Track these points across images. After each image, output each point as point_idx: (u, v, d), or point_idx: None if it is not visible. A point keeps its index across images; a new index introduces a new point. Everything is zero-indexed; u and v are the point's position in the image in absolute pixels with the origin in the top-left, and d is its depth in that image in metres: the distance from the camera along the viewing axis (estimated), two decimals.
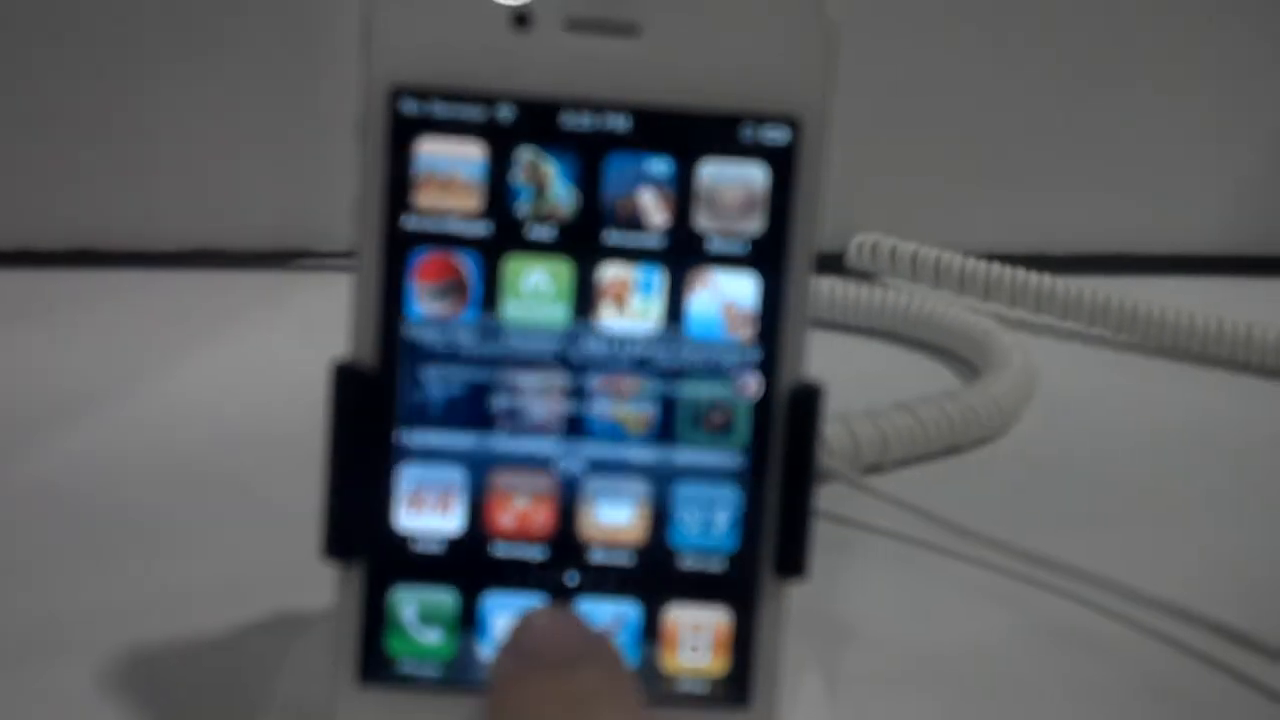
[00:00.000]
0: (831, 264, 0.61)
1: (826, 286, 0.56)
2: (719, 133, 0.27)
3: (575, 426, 0.27)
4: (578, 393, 0.27)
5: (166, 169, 0.60)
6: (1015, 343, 0.51)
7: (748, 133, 0.27)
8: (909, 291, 0.57)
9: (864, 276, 0.60)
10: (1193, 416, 0.50)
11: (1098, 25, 0.63)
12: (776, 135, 0.27)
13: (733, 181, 0.27)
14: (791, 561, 0.27)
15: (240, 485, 0.41)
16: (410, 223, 0.27)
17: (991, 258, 0.58)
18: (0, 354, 0.51)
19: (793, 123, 0.27)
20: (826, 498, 0.40)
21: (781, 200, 0.27)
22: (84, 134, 0.59)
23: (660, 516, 0.27)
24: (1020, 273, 0.57)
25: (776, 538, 0.27)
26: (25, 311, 0.55)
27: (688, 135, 0.27)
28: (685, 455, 0.27)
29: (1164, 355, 0.55)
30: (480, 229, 0.27)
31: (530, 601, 0.27)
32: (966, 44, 0.62)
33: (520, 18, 0.26)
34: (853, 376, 0.49)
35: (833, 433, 0.42)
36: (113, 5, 0.58)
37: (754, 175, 0.27)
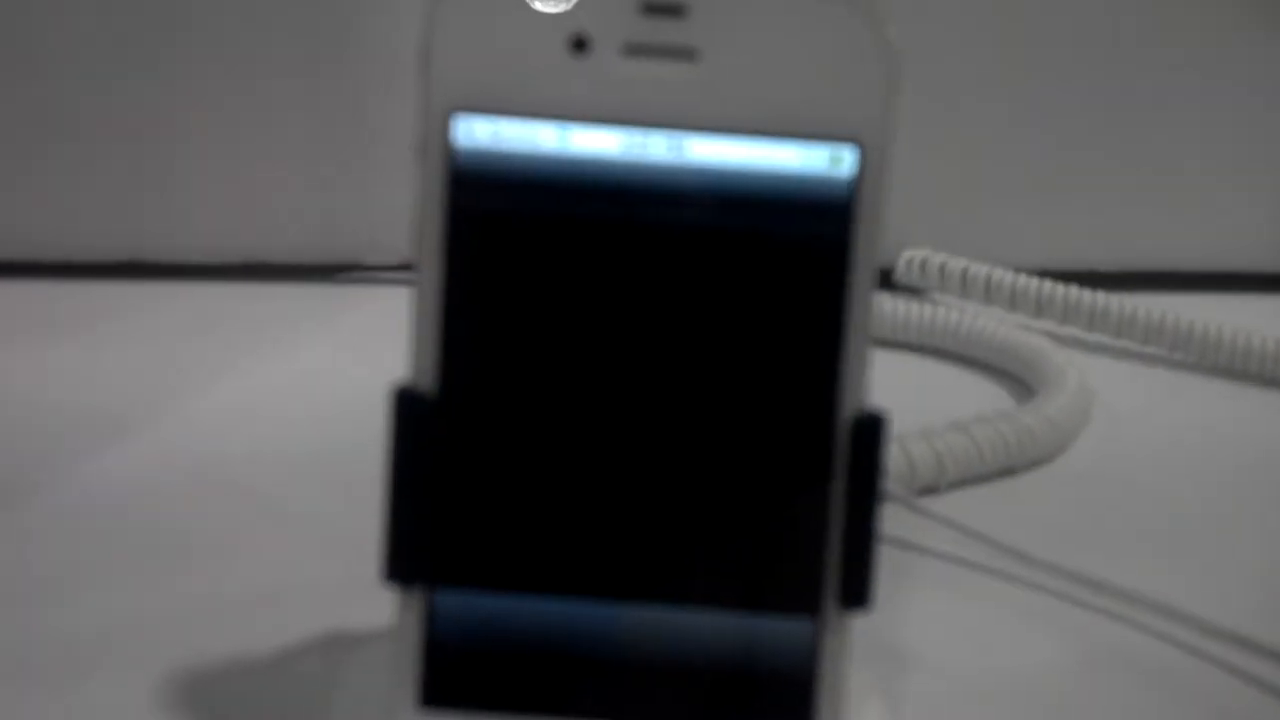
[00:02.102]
0: (881, 280, 0.60)
1: (876, 303, 0.55)
2: (778, 157, 0.26)
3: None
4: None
5: (209, 180, 0.60)
6: (1070, 362, 0.51)
7: (807, 156, 0.26)
8: (960, 308, 0.56)
9: (913, 292, 0.59)
10: (1251, 438, 0.49)
11: (1145, 40, 0.62)
12: (838, 158, 0.26)
13: None
14: (855, 593, 0.27)
15: (285, 501, 0.41)
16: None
17: (1043, 274, 0.57)
18: (42, 367, 0.51)
19: (855, 145, 0.26)
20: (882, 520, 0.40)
21: (844, 225, 0.26)
22: (125, 146, 0.59)
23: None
24: (1072, 290, 0.56)
25: (840, 569, 0.27)
26: (67, 324, 0.55)
27: None
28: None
29: (1220, 375, 0.54)
30: None
31: (595, 611, 0.27)
32: (1015, 59, 0.62)
33: (578, 42, 0.26)
34: (905, 395, 0.48)
35: (888, 453, 0.42)
36: (154, 18, 0.58)
37: None
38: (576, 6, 0.26)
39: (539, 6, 0.26)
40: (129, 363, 0.51)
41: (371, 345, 0.53)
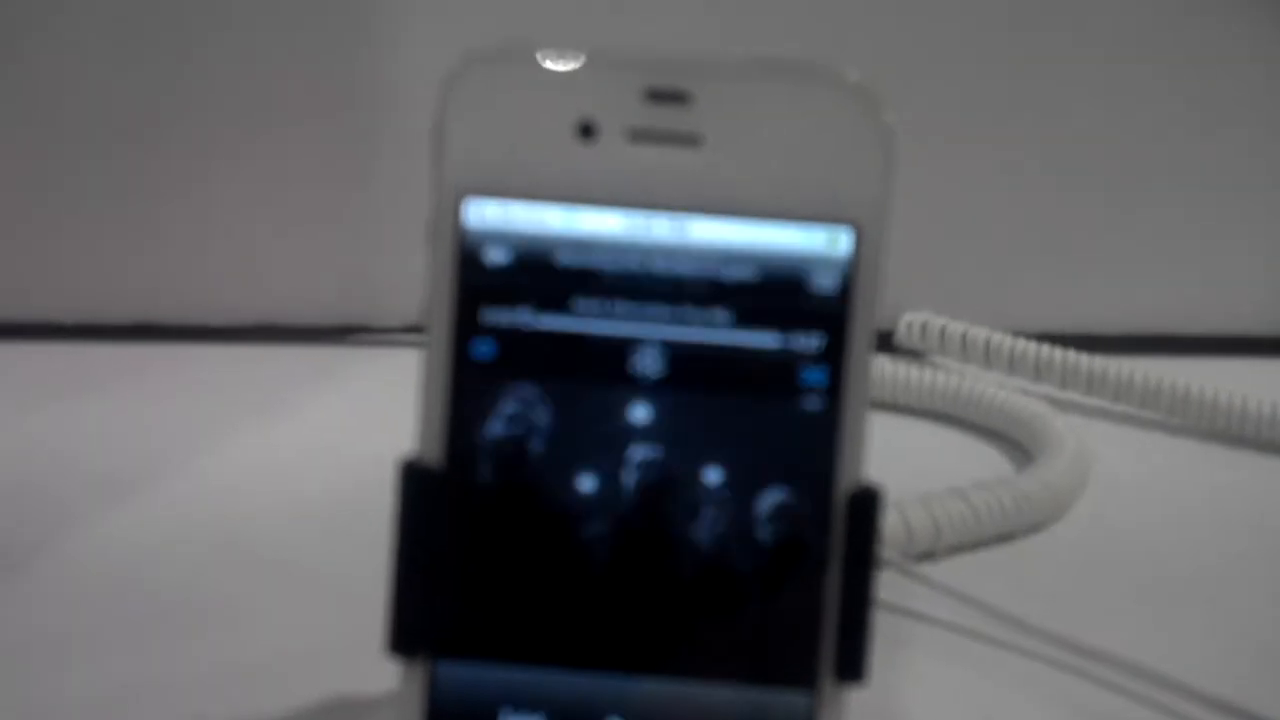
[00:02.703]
0: (881, 342, 0.61)
1: (877, 366, 0.56)
2: (778, 240, 0.27)
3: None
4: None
5: (223, 244, 0.61)
6: (1069, 427, 0.51)
7: (807, 240, 0.27)
8: (959, 372, 0.57)
9: (913, 355, 0.60)
10: (1248, 503, 0.50)
11: (1145, 104, 0.63)
12: (836, 242, 0.27)
13: None
14: (852, 667, 0.27)
15: (296, 563, 0.42)
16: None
17: (1042, 338, 0.58)
18: (58, 427, 0.51)
19: (852, 231, 0.27)
20: (879, 586, 0.40)
21: (840, 307, 0.27)
22: (142, 210, 0.60)
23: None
24: (1071, 354, 0.57)
25: (836, 642, 0.27)
26: (84, 385, 0.56)
27: None
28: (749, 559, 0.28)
29: (1219, 440, 0.55)
30: None
31: (598, 684, 0.28)
32: (1015, 123, 0.63)
33: (586, 128, 0.27)
34: (904, 458, 0.49)
35: (885, 520, 0.42)
36: (172, 85, 0.59)
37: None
38: (584, 93, 0.27)
39: (549, 65, 0.27)
40: (141, 424, 0.52)
41: (380, 407, 0.54)
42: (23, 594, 0.39)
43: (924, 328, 0.60)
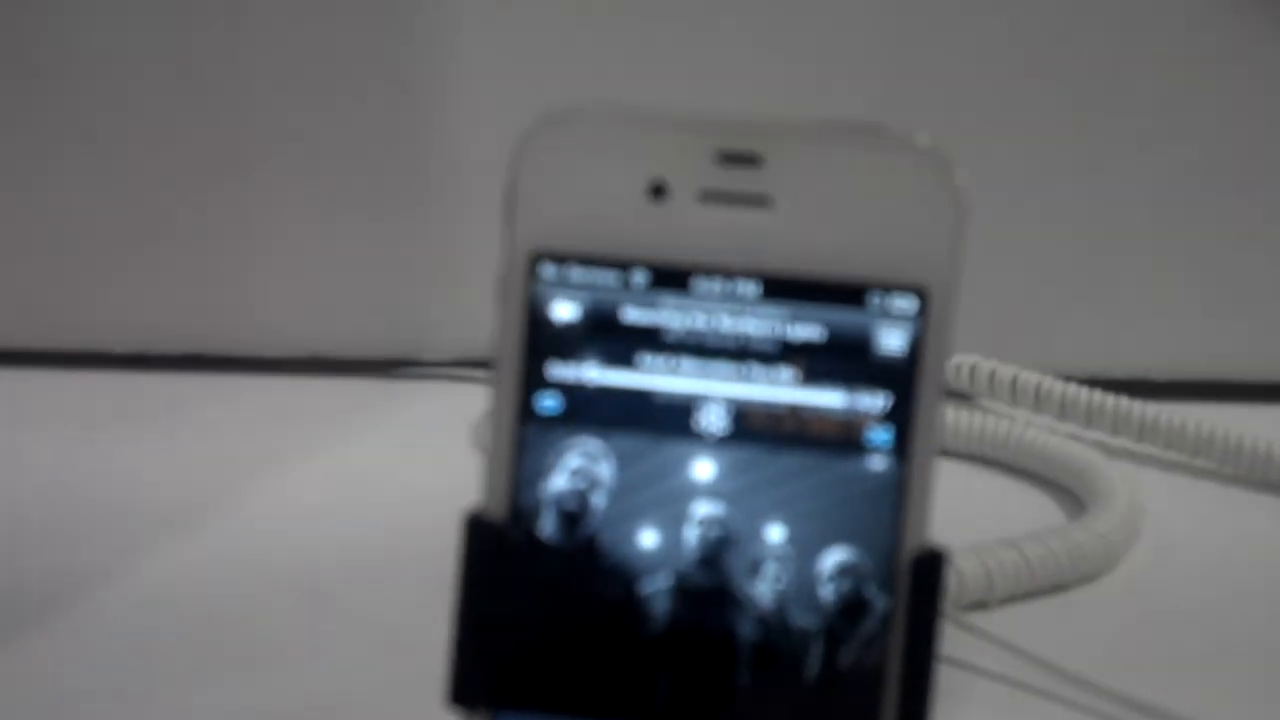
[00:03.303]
0: None
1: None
2: (847, 301, 0.27)
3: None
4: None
5: (274, 276, 0.62)
6: (1121, 476, 0.51)
7: (875, 301, 0.27)
8: (1010, 418, 0.57)
9: (962, 398, 0.60)
10: None
11: (1204, 141, 0.63)
12: (904, 305, 0.27)
13: None
14: None
15: (346, 599, 0.42)
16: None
17: (1093, 382, 0.57)
18: (110, 458, 0.52)
19: (921, 293, 0.27)
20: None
21: (908, 368, 0.27)
22: (196, 242, 0.61)
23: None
24: (1123, 400, 0.56)
25: (898, 706, 0.27)
26: (136, 415, 0.57)
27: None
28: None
29: (1271, 491, 0.54)
30: None
31: None
32: (1067, 166, 0.63)
33: (657, 189, 0.27)
34: (952, 504, 0.49)
35: (966, 566, 0.42)
36: (226, 118, 0.60)
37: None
38: (656, 154, 0.27)
39: (622, 126, 0.27)
40: (191, 455, 0.53)
41: (427, 440, 0.55)
42: (70, 628, 0.39)
43: (973, 371, 0.60)
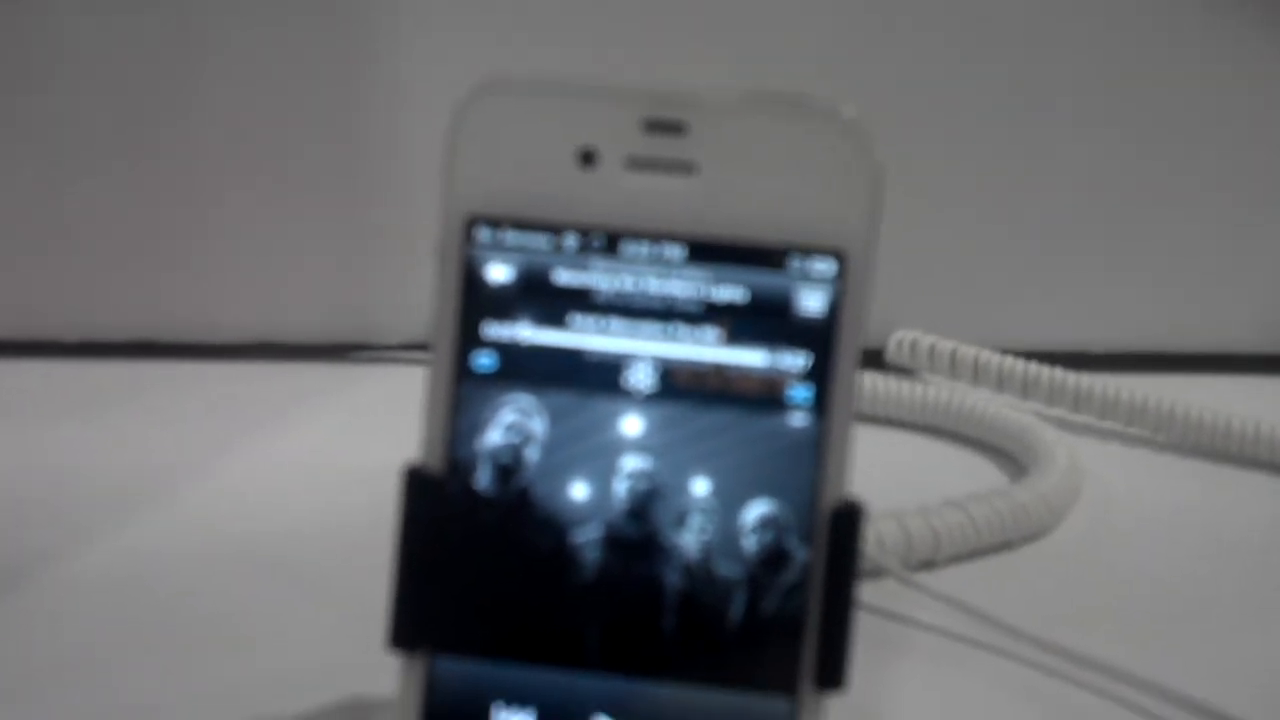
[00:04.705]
0: (871, 360, 0.62)
1: (870, 381, 0.57)
2: (767, 264, 0.28)
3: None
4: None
5: (225, 263, 0.62)
6: (1060, 440, 0.52)
7: (795, 264, 0.28)
8: (951, 388, 0.58)
9: (904, 372, 0.61)
10: (1231, 518, 0.51)
11: (1137, 122, 0.64)
12: (824, 267, 0.28)
13: None
14: (831, 675, 0.28)
15: (299, 576, 0.42)
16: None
17: (1031, 355, 0.59)
18: (60, 445, 0.52)
19: (839, 256, 0.28)
20: (877, 593, 0.41)
21: (827, 329, 0.28)
22: (144, 229, 0.61)
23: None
24: (1058, 372, 0.58)
25: (816, 651, 0.28)
26: (86, 403, 0.57)
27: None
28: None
29: (1202, 456, 0.56)
30: None
31: (596, 684, 0.29)
32: (1007, 141, 0.64)
33: (586, 156, 0.28)
34: (898, 471, 0.51)
35: (886, 529, 0.43)
36: (176, 104, 0.60)
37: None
38: (586, 122, 0.29)
39: (553, 96, 0.28)
40: (142, 441, 0.53)
41: (379, 422, 0.55)
42: (26, 611, 0.40)
43: (914, 345, 0.61)
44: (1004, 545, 0.46)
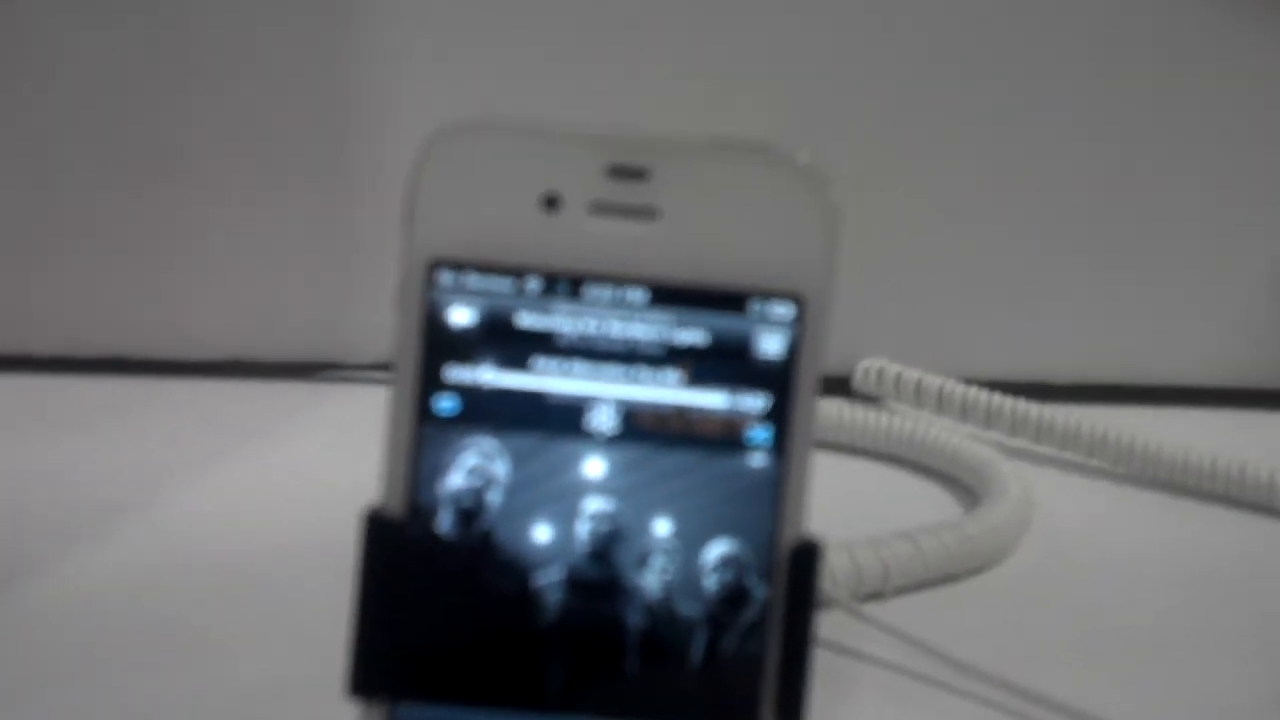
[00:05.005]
0: (838, 387, 0.63)
1: (835, 409, 0.58)
2: (728, 308, 0.29)
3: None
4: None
5: (200, 281, 0.62)
6: (1013, 472, 0.53)
7: (755, 308, 0.29)
8: (914, 417, 0.59)
9: (869, 400, 0.62)
10: (1189, 551, 0.51)
11: (1100, 155, 0.65)
12: (782, 311, 0.29)
13: None
14: (791, 711, 0.29)
15: (271, 594, 0.43)
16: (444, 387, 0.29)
17: (995, 385, 0.60)
18: (34, 460, 0.53)
19: (798, 300, 0.29)
20: (826, 625, 0.42)
21: (785, 371, 0.29)
22: (119, 245, 0.61)
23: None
24: (1021, 403, 0.58)
25: (776, 686, 0.29)
26: (60, 418, 0.57)
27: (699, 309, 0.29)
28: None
29: (1162, 489, 0.57)
30: None
31: None
32: (971, 173, 0.65)
33: (550, 200, 0.29)
34: (856, 499, 0.51)
35: (836, 561, 0.44)
36: (152, 123, 0.61)
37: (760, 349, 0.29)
38: (549, 167, 0.29)
39: (517, 140, 0.28)
40: (113, 457, 0.53)
41: (350, 441, 0.55)
42: (2, 623, 0.40)
43: (880, 374, 0.62)
44: (951, 577, 0.47)
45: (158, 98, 0.60)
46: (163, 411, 0.58)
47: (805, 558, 0.29)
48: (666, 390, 0.29)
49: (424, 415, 0.29)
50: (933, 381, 0.60)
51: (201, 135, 0.61)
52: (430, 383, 0.29)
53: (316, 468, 0.54)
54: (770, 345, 0.29)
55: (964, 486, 0.55)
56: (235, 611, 0.42)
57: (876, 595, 0.45)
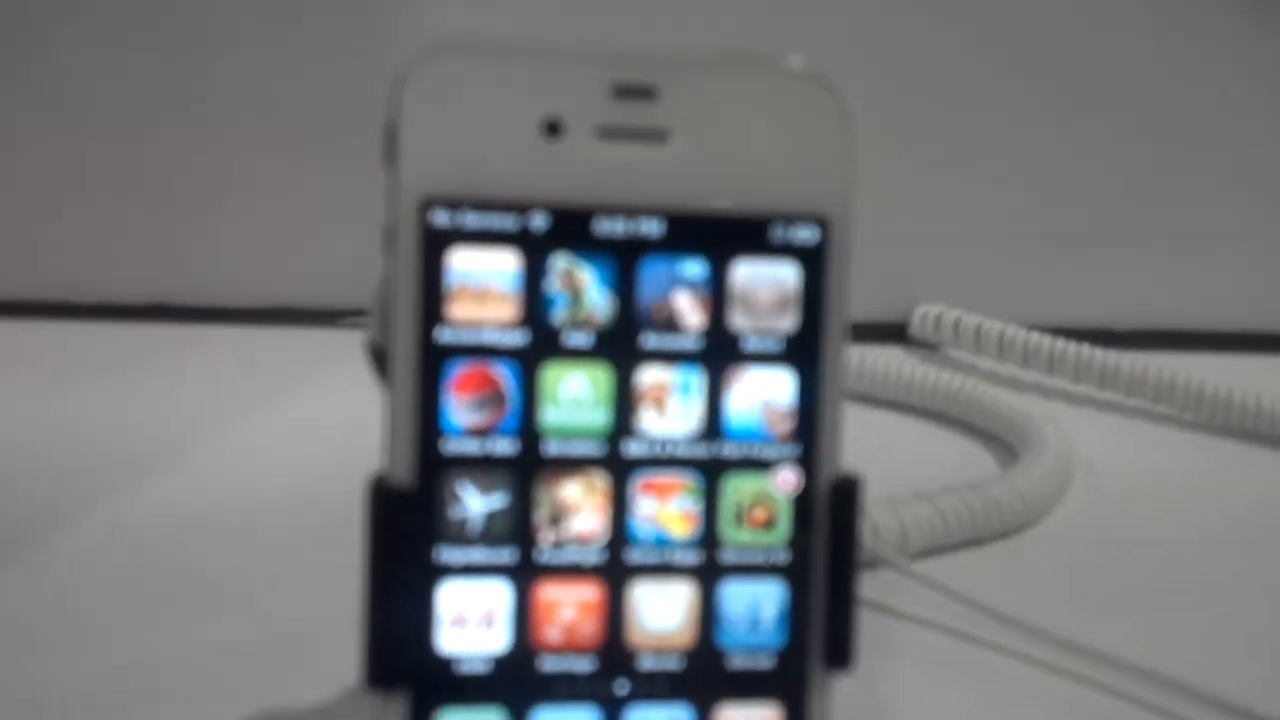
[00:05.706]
0: (895, 334, 0.61)
1: (879, 362, 0.55)
2: (750, 234, 0.27)
3: (618, 532, 0.27)
4: (619, 497, 0.27)
5: (243, 228, 0.62)
6: (1056, 433, 0.50)
7: (778, 233, 0.27)
8: (962, 372, 0.56)
9: (927, 347, 0.60)
10: (1256, 497, 0.49)
11: (1166, 102, 0.63)
12: (807, 235, 0.27)
13: (765, 281, 0.27)
14: (839, 653, 0.27)
15: (311, 539, 0.42)
16: (445, 335, 0.26)
17: (1057, 331, 0.58)
18: (77, 405, 0.52)
19: (822, 222, 0.27)
20: (874, 586, 0.40)
21: (813, 297, 0.27)
22: (162, 194, 0.61)
23: (708, 618, 0.27)
24: (1084, 348, 0.56)
25: (824, 630, 0.27)
26: (103, 364, 0.57)
27: (720, 237, 0.27)
28: (730, 554, 0.27)
29: (1229, 435, 0.54)
30: (517, 338, 0.26)
31: (581, 714, 0.27)
32: (1034, 119, 0.63)
33: (552, 126, 0.26)
34: (896, 455, 0.49)
35: (881, 520, 0.42)
36: (191, 74, 0.60)
37: (786, 274, 0.27)
38: (550, 90, 0.26)
39: (513, 61, 0.25)
40: (157, 403, 0.53)
41: None
42: (37, 570, 0.40)
43: (938, 320, 0.60)
44: (976, 541, 0.44)
45: (197, 43, 0.60)
46: (204, 358, 0.58)
47: (845, 493, 0.27)
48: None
49: (428, 373, 0.26)
50: (992, 327, 0.58)
51: (239, 85, 0.60)
52: (431, 334, 0.26)
53: (357, 413, 0.53)
54: (795, 272, 0.27)
55: (1008, 445, 0.53)
56: (275, 557, 0.41)
57: (924, 553, 0.43)
